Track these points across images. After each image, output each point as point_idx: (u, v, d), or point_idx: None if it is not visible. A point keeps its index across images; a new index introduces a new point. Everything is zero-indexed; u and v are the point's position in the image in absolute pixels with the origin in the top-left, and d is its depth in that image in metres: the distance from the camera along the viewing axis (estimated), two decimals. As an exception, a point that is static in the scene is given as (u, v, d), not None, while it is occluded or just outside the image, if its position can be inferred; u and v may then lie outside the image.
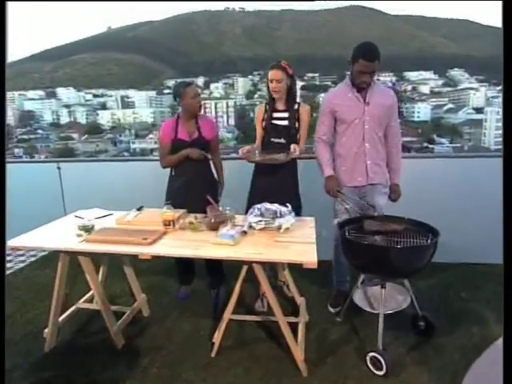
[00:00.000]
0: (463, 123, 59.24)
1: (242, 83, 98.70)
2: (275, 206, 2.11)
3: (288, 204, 2.11)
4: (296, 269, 2.81)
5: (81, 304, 2.43)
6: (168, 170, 2.53)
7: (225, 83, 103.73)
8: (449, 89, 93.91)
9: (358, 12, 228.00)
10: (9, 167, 3.50)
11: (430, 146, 49.49)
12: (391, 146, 2.30)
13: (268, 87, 2.29)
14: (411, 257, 1.84)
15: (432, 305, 2.44)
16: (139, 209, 2.38)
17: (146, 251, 1.79)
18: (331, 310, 2.43)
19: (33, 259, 3.48)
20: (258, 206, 2.13)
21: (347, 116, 2.24)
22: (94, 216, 2.37)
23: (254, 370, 1.90)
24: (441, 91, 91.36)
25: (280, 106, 2.33)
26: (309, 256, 1.65)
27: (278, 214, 2.06)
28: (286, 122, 2.32)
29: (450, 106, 72.18)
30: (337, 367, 1.90)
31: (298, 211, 2.33)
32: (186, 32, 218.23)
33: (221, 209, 2.14)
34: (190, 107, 2.36)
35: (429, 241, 1.87)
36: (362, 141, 2.22)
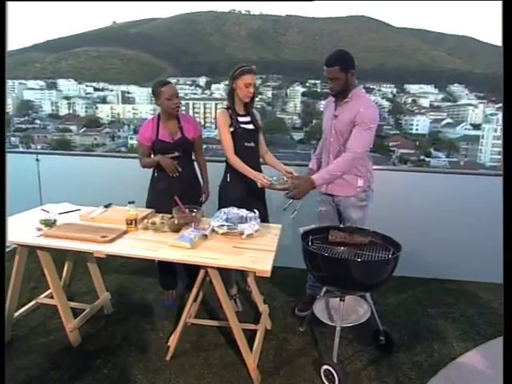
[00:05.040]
0: (460, 138, 59.69)
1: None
2: (242, 211, 2.09)
3: (256, 210, 2.08)
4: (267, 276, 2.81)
5: (41, 299, 2.39)
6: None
7: (226, 84, 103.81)
8: (448, 104, 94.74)
9: (365, 22, 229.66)
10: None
11: (427, 159, 49.78)
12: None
13: (232, 92, 2.22)
14: (371, 270, 1.82)
15: (398, 320, 2.42)
16: (107, 206, 2.35)
17: (100, 249, 1.76)
18: (298, 313, 2.42)
19: (7, 250, 3.42)
20: (225, 209, 2.11)
21: (323, 125, 2.28)
22: (61, 210, 2.34)
23: (205, 377, 1.87)
24: (440, 105, 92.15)
25: (240, 110, 2.27)
26: (263, 264, 1.62)
27: (244, 220, 2.04)
28: (251, 126, 2.29)
29: (449, 120, 72.79)
30: (290, 378, 1.87)
31: (265, 218, 2.32)
32: (190, 31, 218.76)
33: (187, 211, 2.11)
34: (164, 108, 2.27)
35: (390, 255, 1.85)
36: (328, 153, 2.22)
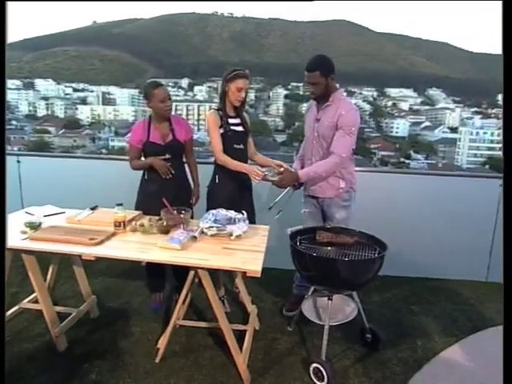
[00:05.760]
0: (438, 141, 61.35)
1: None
2: (230, 213, 2.10)
3: (244, 211, 2.10)
4: (254, 277, 2.83)
5: (24, 304, 2.34)
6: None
7: (209, 86, 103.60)
8: (427, 107, 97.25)
9: (346, 27, 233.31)
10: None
11: (407, 161, 50.90)
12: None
13: (224, 94, 2.23)
14: (358, 269, 1.86)
15: (383, 318, 2.48)
16: (93, 208, 2.32)
17: (89, 252, 1.74)
18: (286, 313, 2.44)
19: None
20: (213, 211, 2.11)
21: (305, 128, 2.32)
22: (45, 213, 2.30)
23: (195, 378, 1.87)
24: (419, 109, 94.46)
25: (230, 112, 2.29)
26: (253, 265, 1.64)
27: (232, 221, 2.06)
28: (241, 128, 2.31)
29: (427, 123, 74.71)
30: (280, 377, 1.89)
31: (252, 219, 2.33)
32: (173, 32, 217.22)
33: (175, 212, 2.11)
34: (157, 110, 2.27)
35: (376, 254, 1.90)
36: (311, 155, 2.27)
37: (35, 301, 2.34)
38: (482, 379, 1.91)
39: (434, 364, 2.03)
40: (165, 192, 2.19)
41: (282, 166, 2.20)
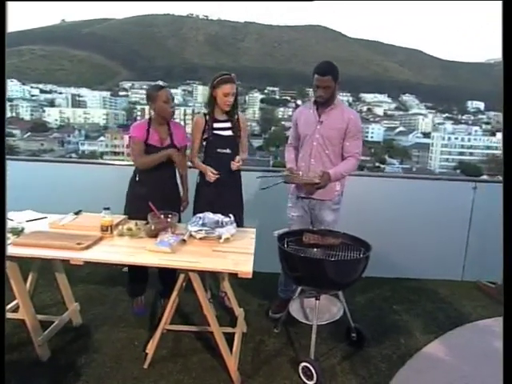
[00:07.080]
0: (412, 146, 63.24)
1: (201, 91, 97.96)
2: (218, 216, 2.11)
3: (231, 214, 2.11)
4: (239, 280, 2.83)
5: (3, 313, 2.25)
6: (129, 173, 2.41)
7: (184, 90, 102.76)
8: (401, 112, 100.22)
9: (321, 32, 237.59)
10: None
11: (382, 165, 52.06)
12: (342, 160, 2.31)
13: (211, 99, 2.25)
14: (344, 270, 1.92)
15: (367, 317, 2.55)
16: (77, 213, 2.27)
17: (78, 256, 1.71)
18: (272, 315, 2.46)
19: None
20: (201, 214, 2.12)
21: (302, 130, 2.34)
22: (26, 218, 2.23)
23: (185, 382, 1.86)
24: (393, 114, 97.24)
25: (219, 116, 2.30)
26: (244, 266, 1.66)
27: (220, 224, 2.07)
28: (229, 132, 2.31)
29: (401, 128, 76.96)
30: (269, 378, 1.92)
31: (240, 222, 2.35)
32: (146, 34, 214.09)
33: (162, 216, 2.10)
34: (161, 111, 2.26)
35: (361, 255, 1.96)
36: (309, 157, 2.30)
37: (14, 310, 2.25)
38: (462, 372, 2.00)
39: (417, 359, 2.11)
40: (155, 195, 2.19)
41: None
